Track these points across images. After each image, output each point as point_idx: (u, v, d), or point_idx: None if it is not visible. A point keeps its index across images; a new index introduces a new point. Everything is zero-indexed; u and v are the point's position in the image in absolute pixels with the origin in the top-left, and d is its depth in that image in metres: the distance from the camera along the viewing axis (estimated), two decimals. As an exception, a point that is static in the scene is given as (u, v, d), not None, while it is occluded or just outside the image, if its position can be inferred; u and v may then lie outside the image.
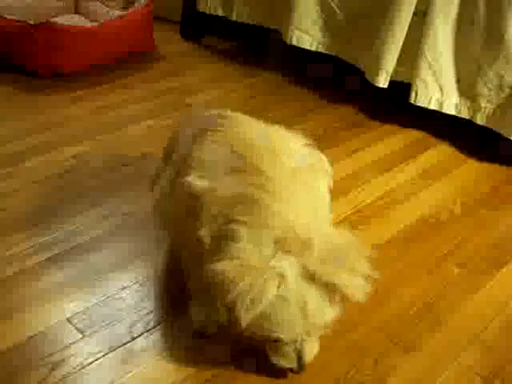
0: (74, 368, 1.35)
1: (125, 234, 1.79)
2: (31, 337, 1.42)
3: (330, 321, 1.24)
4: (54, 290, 1.56)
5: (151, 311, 1.52)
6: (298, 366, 1.24)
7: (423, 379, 1.40)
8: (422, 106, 2.42)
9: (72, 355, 1.38)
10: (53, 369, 1.34)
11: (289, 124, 1.53)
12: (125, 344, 1.42)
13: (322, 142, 2.05)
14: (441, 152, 2.40)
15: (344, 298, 1.22)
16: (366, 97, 2.73)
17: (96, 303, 1.53)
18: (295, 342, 1.22)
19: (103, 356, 1.39)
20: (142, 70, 2.93)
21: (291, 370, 1.28)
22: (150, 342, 1.44)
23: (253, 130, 1.42)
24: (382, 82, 2.48)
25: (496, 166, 2.32)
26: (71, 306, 1.52)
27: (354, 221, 1.93)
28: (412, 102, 2.42)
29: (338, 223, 1.88)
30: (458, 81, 2.35)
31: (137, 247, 1.74)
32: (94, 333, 1.45)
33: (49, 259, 1.67)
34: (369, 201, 2.04)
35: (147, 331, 1.46)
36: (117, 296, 1.56)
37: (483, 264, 1.79)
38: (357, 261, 1.22)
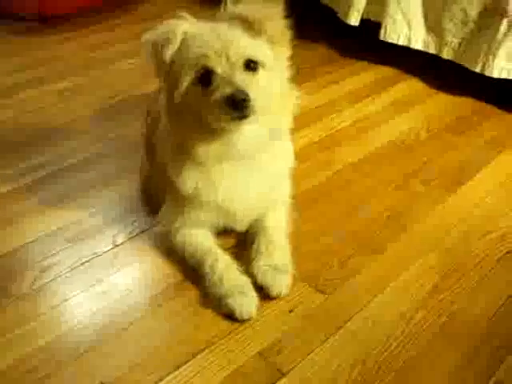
0: (63, 271, 1.48)
1: (113, 157, 1.92)
2: (22, 245, 1.55)
3: (253, 54, 1.30)
4: (44, 205, 1.69)
5: (134, 221, 1.64)
6: (234, 89, 1.26)
7: (387, 276, 1.52)
8: (392, 42, 2.50)
9: (60, 260, 1.51)
10: (43, 271, 1.47)
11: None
12: (109, 250, 1.55)
13: (298, 76, 2.16)
14: (411, 86, 2.50)
15: (258, 29, 1.31)
16: (340, 35, 2.81)
17: (83, 216, 1.66)
18: (222, 65, 1.28)
19: (89, 261, 1.51)
20: (128, 12, 3.02)
21: (234, 102, 1.26)
22: (132, 249, 1.56)
23: None
24: (354, 20, 2.56)
25: (464, 99, 2.41)
26: (59, 219, 1.64)
27: (326, 143, 2.05)
28: (382, 38, 2.51)
29: (311, 145, 2.00)
30: (425, 17, 2.44)
31: (123, 167, 1.86)
32: (80, 241, 1.57)
33: (41, 178, 1.79)
34: (342, 126, 2.16)
35: (130, 239, 1.59)
36: (102, 210, 1.69)
37: (446, 182, 1.90)
38: (268, 7, 1.35)
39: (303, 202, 1.67)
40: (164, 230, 1.54)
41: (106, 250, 1.54)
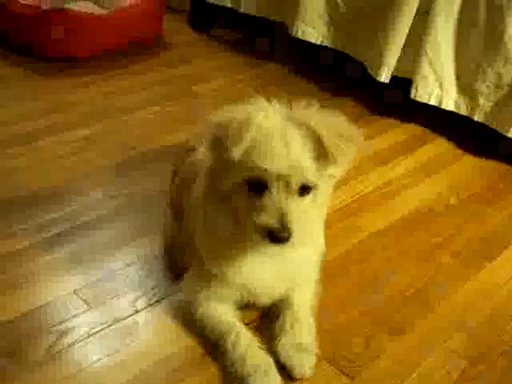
0: (80, 337, 1.43)
1: (130, 213, 1.87)
2: (39, 306, 1.50)
3: (314, 178, 1.25)
4: (62, 264, 1.64)
5: (155, 286, 1.60)
6: (279, 223, 1.21)
7: (412, 360, 1.46)
8: (422, 101, 2.47)
9: (78, 325, 1.46)
10: (60, 337, 1.42)
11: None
12: (128, 316, 1.50)
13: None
14: (439, 147, 2.46)
15: (329, 159, 1.24)
16: (368, 91, 2.79)
17: (102, 277, 1.61)
18: (279, 185, 1.22)
19: (108, 327, 1.46)
20: (151, 57, 3.01)
21: (274, 236, 1.22)
22: (152, 316, 1.51)
23: None
24: (384, 77, 2.54)
25: (492, 163, 2.37)
26: (78, 280, 1.59)
27: (352, 209, 2.00)
28: (412, 97, 2.48)
29: (336, 211, 1.95)
30: (458, 78, 2.41)
31: (141, 225, 1.81)
32: (99, 305, 1.53)
33: (57, 235, 1.75)
34: (367, 191, 2.12)
35: (150, 305, 1.54)
36: (122, 271, 1.64)
37: (474, 255, 1.85)
38: (348, 131, 1.28)
39: (324, 275, 1.60)
40: (186, 300, 1.50)
41: (125, 316, 1.50)
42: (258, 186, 1.24)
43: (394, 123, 2.60)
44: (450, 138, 2.51)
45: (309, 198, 1.28)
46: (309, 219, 1.29)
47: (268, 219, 1.22)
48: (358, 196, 2.07)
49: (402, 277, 1.73)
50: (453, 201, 2.11)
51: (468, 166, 2.35)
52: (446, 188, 2.19)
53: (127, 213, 1.87)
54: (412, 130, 2.57)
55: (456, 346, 1.52)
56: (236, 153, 1.20)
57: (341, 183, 2.05)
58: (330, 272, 1.66)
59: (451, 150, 2.45)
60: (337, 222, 1.90)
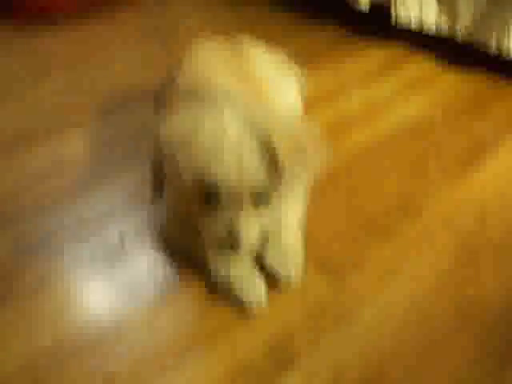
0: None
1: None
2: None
3: (267, 194, 1.25)
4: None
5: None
6: (230, 236, 1.23)
7: (400, 261, 1.48)
8: (403, 26, 2.44)
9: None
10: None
11: (275, 44, 1.60)
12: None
13: (305, 57, 2.11)
14: (421, 64, 2.40)
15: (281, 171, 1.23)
16: (349, 15, 2.74)
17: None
18: (231, 199, 1.21)
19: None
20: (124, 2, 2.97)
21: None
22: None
23: None
24: (363, 6, 2.50)
25: (479, 74, 2.31)
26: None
27: (336, 128, 1.98)
28: (393, 23, 2.44)
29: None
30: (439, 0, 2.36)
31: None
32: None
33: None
34: (351, 110, 2.09)
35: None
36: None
37: (462, 165, 1.83)
38: (310, 149, 1.28)
39: (312, 191, 1.60)
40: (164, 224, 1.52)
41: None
42: (210, 197, 1.22)
43: (375, 45, 2.54)
44: (432, 56, 2.45)
45: (266, 208, 1.27)
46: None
47: (220, 230, 1.23)
48: (340, 116, 2.06)
49: (388, 187, 1.74)
50: (438, 115, 2.08)
51: (455, 80, 2.29)
52: (431, 104, 2.15)
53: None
54: (393, 49, 2.50)
55: (444, 242, 1.53)
56: (186, 175, 1.19)
57: (324, 105, 2.08)
58: (315, 187, 1.65)
59: (436, 64, 2.39)
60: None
